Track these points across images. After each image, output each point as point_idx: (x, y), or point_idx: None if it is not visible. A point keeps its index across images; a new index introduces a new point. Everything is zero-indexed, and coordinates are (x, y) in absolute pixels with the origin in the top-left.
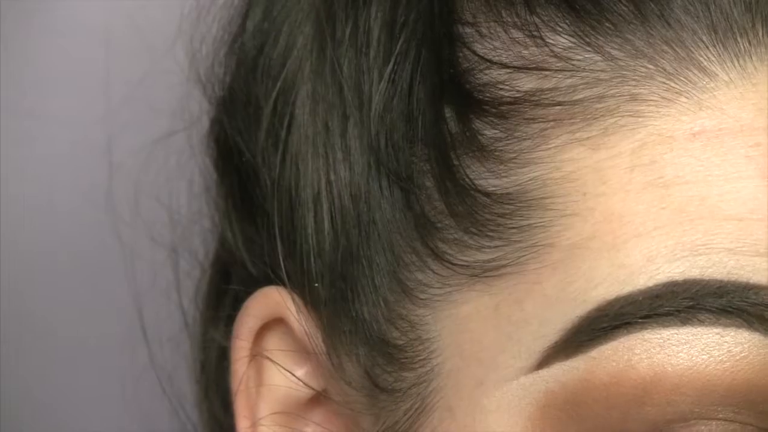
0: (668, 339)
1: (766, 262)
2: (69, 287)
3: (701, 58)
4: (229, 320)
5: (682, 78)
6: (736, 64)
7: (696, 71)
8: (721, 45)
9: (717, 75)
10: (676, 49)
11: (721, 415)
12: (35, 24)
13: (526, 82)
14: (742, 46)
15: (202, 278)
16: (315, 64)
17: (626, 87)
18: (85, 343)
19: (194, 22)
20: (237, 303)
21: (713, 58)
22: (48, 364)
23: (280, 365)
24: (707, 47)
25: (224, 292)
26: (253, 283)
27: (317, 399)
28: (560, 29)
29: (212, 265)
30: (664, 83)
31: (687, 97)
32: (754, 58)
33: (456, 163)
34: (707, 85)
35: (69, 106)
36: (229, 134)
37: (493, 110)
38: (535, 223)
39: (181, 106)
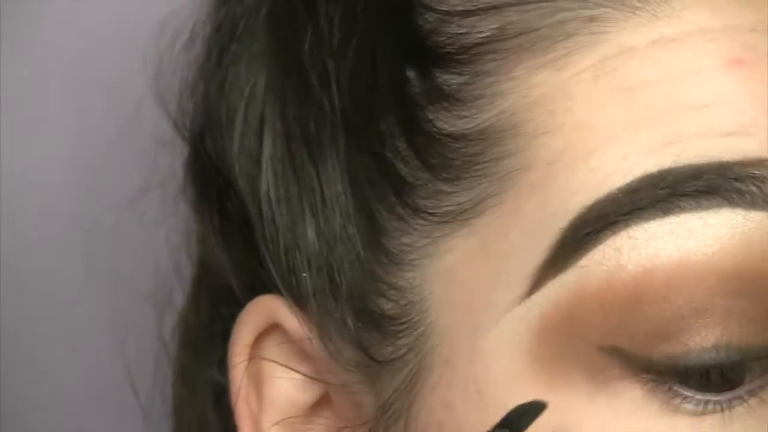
0: (653, 232)
1: (736, 139)
2: (52, 351)
3: None
4: (222, 362)
5: None
6: None
7: None
8: None
9: None
10: None
11: (718, 308)
12: (35, 24)
13: (488, 24)
14: None
15: (187, 327)
16: (281, 66)
17: (584, 11)
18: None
19: (158, 69)
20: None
21: None
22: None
23: (281, 364)
24: None
25: (213, 333)
26: None
27: (319, 404)
28: None
29: (195, 308)
30: (621, 1)
31: (643, 11)
32: None
33: (423, 118)
34: None
35: (42, 171)
36: (204, 161)
37: (458, 58)
38: (508, 152)
39: (153, 164)
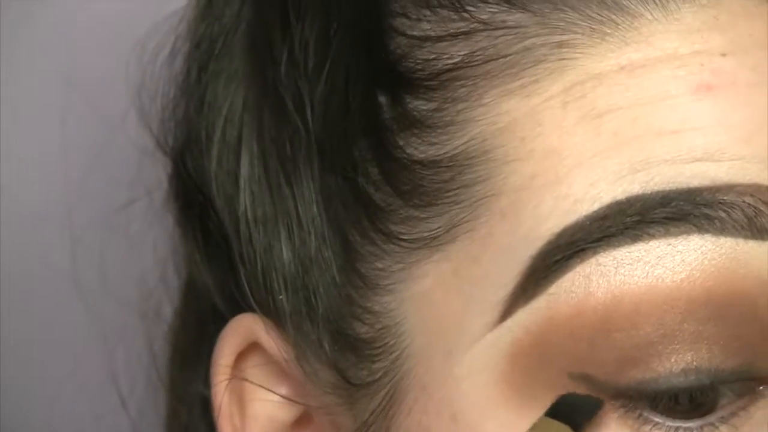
0: (622, 259)
1: (704, 165)
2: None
3: (624, 2)
4: (208, 376)
5: (607, 21)
6: (658, 3)
7: (620, 13)
8: None
9: (641, 15)
10: None
11: (687, 334)
12: (35, 24)
13: (457, 50)
14: None
15: (175, 340)
16: (258, 88)
17: (553, 36)
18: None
19: (141, 83)
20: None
21: (636, 1)
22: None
23: (259, 384)
24: None
25: (200, 348)
26: None
27: (302, 420)
28: None
29: (184, 321)
30: (590, 27)
31: (612, 37)
32: None
33: (393, 144)
34: (632, 24)
35: (27, 184)
36: (185, 179)
37: (428, 84)
38: (479, 178)
39: (138, 174)
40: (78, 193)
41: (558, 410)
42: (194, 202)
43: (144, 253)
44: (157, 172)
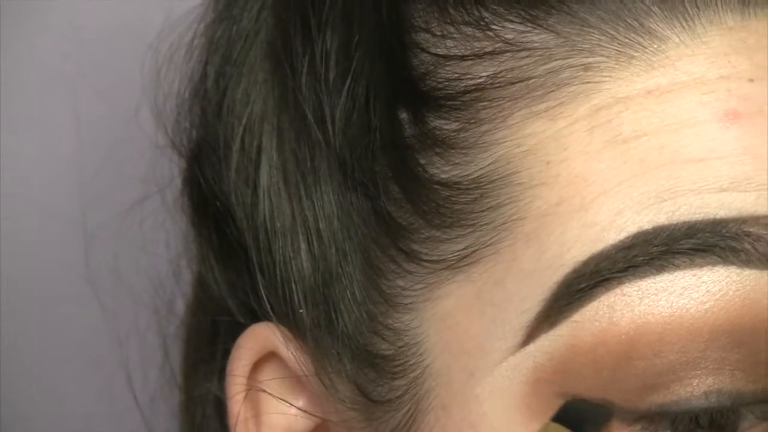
0: (646, 289)
1: (730, 195)
2: (55, 358)
3: (651, 25)
4: (222, 374)
5: (633, 44)
6: (685, 26)
7: (647, 36)
8: (669, 11)
9: (668, 38)
10: (626, 18)
11: (710, 360)
12: (35, 24)
13: (482, 70)
14: (690, 11)
15: (188, 338)
16: (277, 98)
17: (579, 58)
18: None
19: (155, 81)
20: (228, 355)
21: (662, 24)
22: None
23: (277, 397)
24: (656, 14)
25: (214, 346)
26: (242, 331)
27: (319, 429)
28: (510, 18)
29: (196, 318)
30: (616, 50)
31: (639, 60)
32: (703, 20)
33: (415, 163)
34: (658, 48)
35: (41, 181)
36: (201, 183)
37: (451, 104)
38: (503, 202)
39: (151, 170)
40: (91, 191)
41: (565, 416)
42: (209, 207)
43: (157, 249)
44: (170, 169)
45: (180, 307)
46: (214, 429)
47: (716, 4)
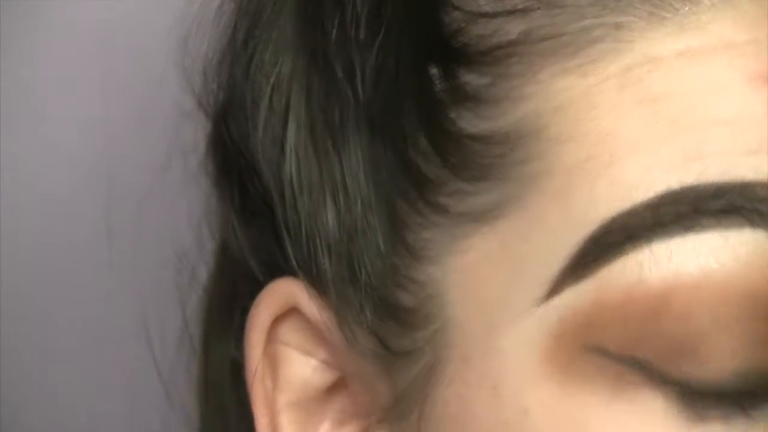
0: (675, 248)
1: (758, 158)
2: (73, 317)
3: None
4: (239, 337)
5: (665, 5)
6: None
7: None
8: None
9: (700, 1)
10: None
11: (739, 328)
12: (35, 24)
13: (514, 27)
14: None
15: (206, 300)
16: (307, 57)
17: (611, 17)
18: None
19: (183, 46)
20: (246, 316)
21: None
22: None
23: (299, 351)
24: None
25: (232, 308)
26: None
27: (334, 388)
28: None
29: (217, 283)
30: (648, 11)
31: (670, 22)
32: None
33: (445, 117)
34: (690, 10)
35: (69, 143)
36: (227, 143)
37: (483, 59)
38: (531, 156)
39: (175, 138)
40: (116, 155)
41: None
42: (234, 165)
43: (179, 215)
44: (195, 135)
45: (201, 273)
46: (227, 393)
47: None
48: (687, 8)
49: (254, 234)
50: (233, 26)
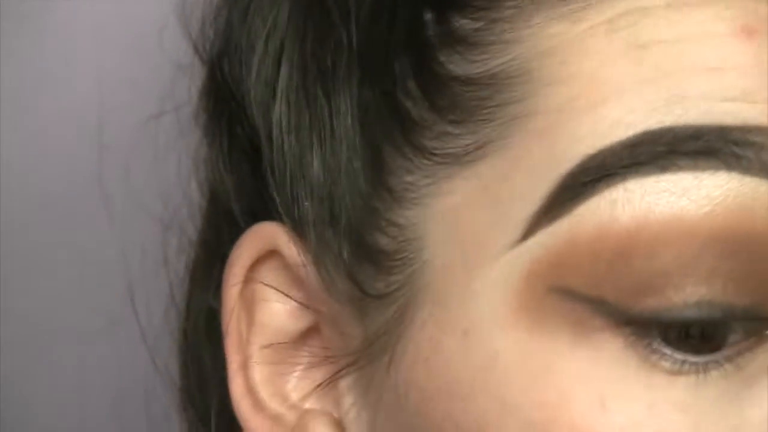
0: (649, 187)
1: (738, 105)
2: (59, 264)
3: None
4: (219, 285)
5: None
6: None
7: None
8: None
9: None
10: None
11: (704, 267)
12: (35, 24)
13: None
14: None
15: (191, 253)
16: (305, 2)
17: None
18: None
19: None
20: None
21: None
22: (34, 340)
23: (277, 289)
24: None
25: (215, 257)
26: None
27: (308, 333)
28: None
29: (203, 233)
30: None
31: None
32: None
33: (435, 60)
34: None
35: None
36: (220, 86)
37: (477, 3)
38: (517, 97)
39: (169, 89)
40: (109, 101)
41: None
42: (225, 108)
43: (168, 166)
44: (189, 88)
45: (188, 225)
46: (203, 344)
47: None
48: None
49: (239, 179)
50: None
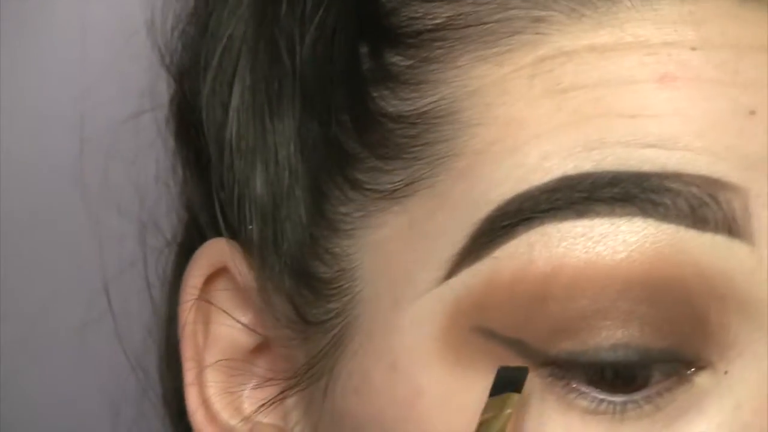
0: (566, 232)
1: (656, 152)
2: (37, 259)
3: None
4: None
5: (587, 2)
6: None
7: None
8: None
9: (620, 1)
10: None
11: (620, 311)
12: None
13: (442, 11)
14: None
15: (168, 252)
16: (257, 22)
17: (533, 11)
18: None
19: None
20: None
21: None
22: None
23: (224, 311)
24: None
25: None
26: None
27: (261, 347)
28: None
29: (181, 236)
30: (569, 6)
31: (589, 18)
32: None
33: (367, 95)
34: (609, 9)
35: (44, 86)
36: (183, 96)
37: (409, 41)
38: (442, 138)
39: (150, 88)
40: (91, 97)
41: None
42: (189, 122)
43: (147, 165)
44: (168, 88)
45: (164, 222)
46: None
47: None
48: (606, 7)
49: (203, 190)
50: None
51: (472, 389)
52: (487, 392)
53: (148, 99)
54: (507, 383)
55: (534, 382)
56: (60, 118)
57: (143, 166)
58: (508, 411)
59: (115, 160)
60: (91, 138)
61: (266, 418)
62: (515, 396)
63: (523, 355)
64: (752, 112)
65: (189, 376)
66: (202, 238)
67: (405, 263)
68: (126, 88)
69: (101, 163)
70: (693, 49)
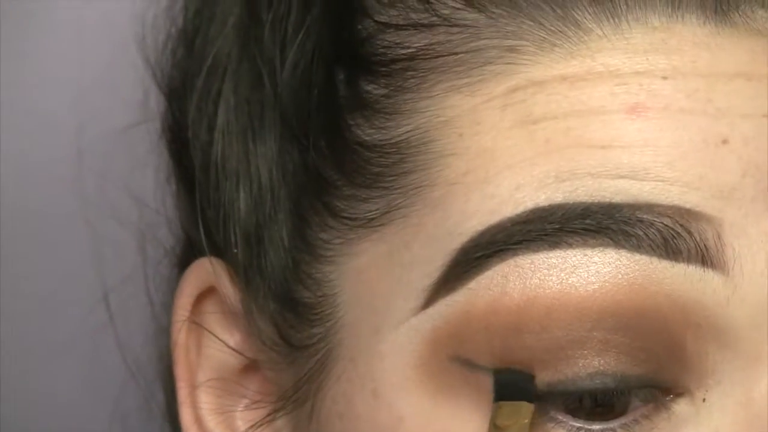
0: (539, 264)
1: (628, 183)
2: (35, 272)
3: (578, 16)
4: None
5: (558, 33)
6: (611, 21)
7: (572, 27)
8: (598, 6)
9: (592, 30)
10: (555, 8)
11: (596, 341)
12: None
13: (416, 41)
14: (619, 7)
15: (167, 263)
16: (241, 44)
17: (505, 41)
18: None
19: (147, 15)
20: None
21: (590, 17)
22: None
23: (211, 332)
24: (585, 7)
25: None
26: None
27: (252, 366)
28: None
29: (179, 250)
30: (541, 37)
31: (560, 48)
32: (629, 17)
33: (343, 123)
34: (581, 39)
35: (43, 97)
36: (173, 114)
37: (383, 70)
38: (417, 167)
39: (147, 99)
40: (90, 106)
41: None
42: (180, 140)
43: (145, 176)
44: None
45: (163, 232)
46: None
47: (645, 4)
48: (577, 37)
49: (192, 207)
50: (185, 4)
51: (454, 416)
52: (469, 419)
53: (146, 108)
54: (507, 385)
55: None
56: (58, 123)
57: (141, 176)
58: (526, 421)
59: (114, 171)
60: (89, 148)
61: None
62: (530, 406)
63: None
64: (725, 141)
65: (182, 394)
66: (196, 253)
67: (384, 291)
68: (125, 96)
69: (99, 174)
70: (664, 78)
